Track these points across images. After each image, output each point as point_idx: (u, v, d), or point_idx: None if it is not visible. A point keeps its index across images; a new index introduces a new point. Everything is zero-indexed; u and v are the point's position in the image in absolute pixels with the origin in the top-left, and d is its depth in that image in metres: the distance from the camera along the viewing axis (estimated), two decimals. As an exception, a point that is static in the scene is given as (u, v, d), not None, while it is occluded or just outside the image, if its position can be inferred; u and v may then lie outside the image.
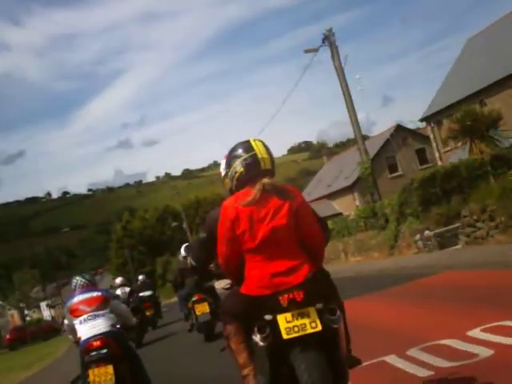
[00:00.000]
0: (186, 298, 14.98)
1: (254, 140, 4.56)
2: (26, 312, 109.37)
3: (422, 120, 46.97)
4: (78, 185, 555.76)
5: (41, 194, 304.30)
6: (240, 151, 4.49)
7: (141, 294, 22.88)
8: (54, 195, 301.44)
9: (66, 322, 7.86)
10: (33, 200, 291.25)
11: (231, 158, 4.54)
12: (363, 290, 14.90)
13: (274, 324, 4.06)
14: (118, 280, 22.72)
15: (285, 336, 4.02)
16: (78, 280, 7.81)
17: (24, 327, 66.40)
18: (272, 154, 4.55)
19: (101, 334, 7.23)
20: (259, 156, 4.42)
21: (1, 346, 62.21)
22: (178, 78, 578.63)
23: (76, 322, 7.44)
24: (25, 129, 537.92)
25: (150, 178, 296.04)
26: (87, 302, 7.49)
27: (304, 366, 3.94)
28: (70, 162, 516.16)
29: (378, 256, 25.95)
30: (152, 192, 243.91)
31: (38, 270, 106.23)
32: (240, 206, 4.27)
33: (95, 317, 7.37)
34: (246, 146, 4.51)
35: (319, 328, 4.06)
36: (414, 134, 56.95)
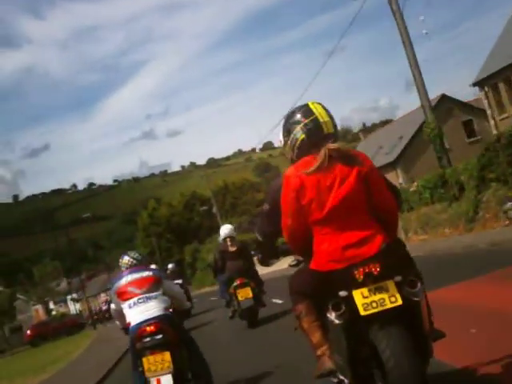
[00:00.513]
0: (226, 283, 14.18)
1: (313, 103, 4.28)
2: (51, 307, 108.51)
3: (474, 85, 42.65)
4: (104, 177, 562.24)
5: (66, 186, 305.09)
6: (299, 116, 4.22)
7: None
8: (80, 187, 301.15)
9: (112, 306, 7.37)
10: (58, 192, 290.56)
11: (290, 124, 4.28)
12: (465, 274, 11.24)
13: (349, 300, 3.84)
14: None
15: (362, 312, 3.80)
16: (125, 259, 7.25)
17: (46, 323, 64.12)
18: (333, 117, 4.25)
19: (154, 318, 6.69)
20: (320, 120, 4.15)
21: (22, 343, 60.69)
22: (200, 69, 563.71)
23: (125, 305, 6.92)
24: (49, 122, 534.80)
25: (175, 168, 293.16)
26: (137, 283, 6.94)
27: (385, 343, 3.72)
28: (95, 154, 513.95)
29: (449, 232, 21.90)
30: (178, 181, 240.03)
31: (59, 263, 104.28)
32: (304, 175, 4.03)
33: (147, 299, 6.83)
34: (305, 110, 4.23)
35: (399, 302, 3.81)
36: (461, 104, 52.52)
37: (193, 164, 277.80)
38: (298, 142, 4.20)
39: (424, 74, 24.49)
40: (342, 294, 3.87)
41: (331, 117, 4.23)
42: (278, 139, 4.64)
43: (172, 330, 6.74)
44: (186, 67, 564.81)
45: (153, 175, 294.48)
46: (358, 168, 4.03)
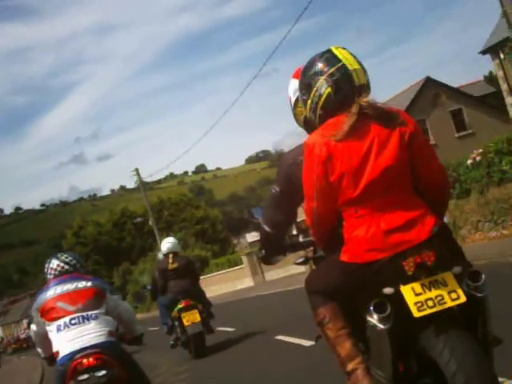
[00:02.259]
0: (168, 306, 11.99)
1: (337, 48, 3.32)
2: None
3: (483, 52, 33.22)
4: (32, 201, 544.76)
5: None
6: (321, 65, 3.26)
7: None
8: (7, 212, 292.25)
9: (33, 328, 5.27)
10: None
11: (309, 77, 3.31)
12: None
13: (396, 298, 3.05)
14: None
15: (416, 313, 2.99)
16: (54, 263, 5.38)
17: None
18: (363, 64, 3.27)
19: (94, 347, 4.84)
20: (350, 68, 3.20)
21: None
22: (131, 91, 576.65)
23: (51, 327, 5.01)
24: None
25: (105, 192, 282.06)
26: (70, 296, 5.06)
27: (448, 353, 2.88)
28: (23, 179, 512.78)
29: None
30: (108, 205, 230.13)
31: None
32: (333, 142, 3.14)
33: (84, 320, 4.96)
34: (329, 57, 3.28)
35: (463, 299, 3.00)
36: (449, 89, 42.94)
37: (123, 188, 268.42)
38: (323, 99, 3.23)
39: None
40: (387, 291, 3.07)
41: (361, 64, 3.25)
42: (288, 97, 3.76)
43: (119, 364, 4.87)
44: (116, 89, 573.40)
45: (81, 199, 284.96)
46: (399, 129, 3.15)
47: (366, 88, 3.22)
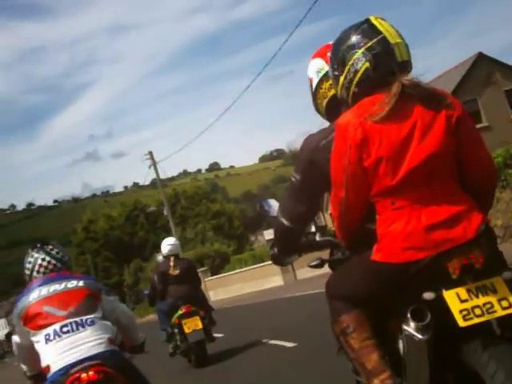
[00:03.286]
0: (168, 312, 11.22)
1: (376, 18, 2.90)
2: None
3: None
4: (45, 198, 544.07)
5: (4, 207, 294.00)
6: (358, 38, 2.85)
7: None
8: (19, 208, 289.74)
9: (16, 339, 4.44)
10: None
11: (344, 50, 2.89)
12: None
13: (438, 305, 2.68)
14: None
15: (462, 323, 2.63)
16: (41, 259, 4.47)
17: None
18: (405, 39, 2.86)
19: (93, 358, 4.02)
20: (391, 41, 2.81)
21: None
22: (145, 91, 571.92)
23: (38, 337, 4.14)
24: None
25: (118, 189, 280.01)
26: (59, 299, 4.22)
27: (497, 368, 2.55)
28: (37, 176, 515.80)
29: None
30: (120, 201, 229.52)
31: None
32: (369, 123, 2.75)
33: (77, 326, 4.14)
34: (367, 28, 2.86)
35: None
36: (504, 67, 37.86)
37: (136, 184, 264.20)
38: (359, 75, 2.82)
39: None
40: (428, 296, 2.70)
41: (403, 38, 2.87)
42: (308, 79, 3.32)
43: (123, 377, 4.05)
44: (130, 89, 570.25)
45: (94, 196, 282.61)
46: (446, 112, 2.76)
47: (408, 65, 2.83)
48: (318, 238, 3.47)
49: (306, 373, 7.69)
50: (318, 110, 3.37)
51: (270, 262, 35.21)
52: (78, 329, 4.10)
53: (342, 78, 2.89)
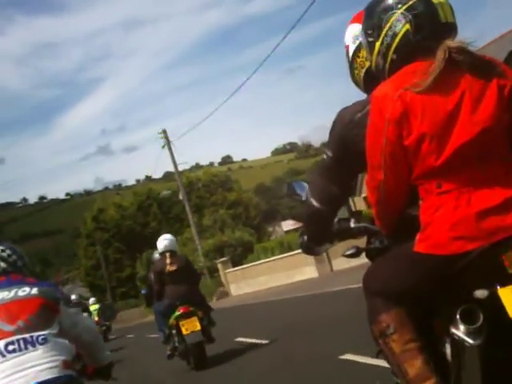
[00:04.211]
0: (165, 313, 10.94)
1: None
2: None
3: None
4: (57, 192, 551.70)
5: (16, 200, 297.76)
6: None
7: None
8: (31, 201, 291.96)
9: None
10: (8, 206, 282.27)
11: (380, 11, 2.62)
12: None
13: (492, 304, 2.40)
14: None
15: None
16: None
17: None
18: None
19: None
20: (435, 0, 2.52)
21: None
22: (159, 85, 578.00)
23: None
24: (4, 137, 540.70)
25: (131, 183, 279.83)
26: (7, 310, 3.66)
27: None
28: (50, 170, 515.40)
29: None
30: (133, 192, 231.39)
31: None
32: (410, 94, 2.44)
33: (26, 345, 3.56)
34: None
35: None
36: None
37: (148, 177, 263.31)
38: (398, 39, 2.53)
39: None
40: (480, 294, 2.42)
41: None
42: (345, 46, 3.11)
43: None
44: (143, 83, 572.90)
45: (106, 189, 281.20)
46: (498, 81, 2.44)
47: (453, 28, 2.55)
48: (352, 224, 3.07)
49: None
50: (355, 81, 3.10)
51: (300, 251, 30.50)
52: (26, 348, 3.52)
53: (378, 44, 2.62)
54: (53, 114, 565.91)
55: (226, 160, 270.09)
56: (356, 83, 3.10)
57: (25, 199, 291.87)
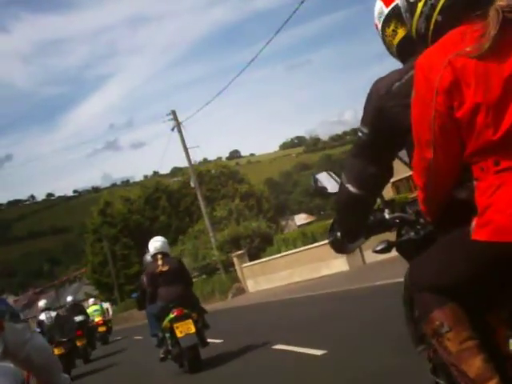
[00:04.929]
0: (159, 316, 10.71)
1: None
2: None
3: None
4: (65, 189, 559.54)
5: (24, 197, 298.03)
6: None
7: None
8: (39, 198, 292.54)
9: None
10: (15, 203, 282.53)
11: None
12: None
13: None
14: (42, 303, 18.61)
15: None
16: None
17: None
18: None
19: None
20: None
21: None
22: (165, 82, 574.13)
23: None
24: (12, 134, 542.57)
25: (138, 178, 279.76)
26: None
27: None
28: (58, 167, 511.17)
29: None
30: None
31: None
32: (460, 61, 2.21)
33: None
34: None
35: None
36: None
37: (156, 173, 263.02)
38: (442, 1, 2.30)
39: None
40: None
41: None
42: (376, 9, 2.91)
43: None
44: (150, 80, 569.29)
45: (114, 185, 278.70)
46: None
47: None
48: (387, 215, 2.93)
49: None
50: (389, 48, 2.93)
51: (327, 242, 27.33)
52: None
53: (420, 5, 2.38)
54: (60, 110, 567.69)
55: (234, 155, 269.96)
56: (392, 53, 2.89)
57: (32, 196, 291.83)
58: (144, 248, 42.12)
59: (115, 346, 23.92)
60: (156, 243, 10.99)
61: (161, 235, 36.40)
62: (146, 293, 11.16)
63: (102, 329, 27.25)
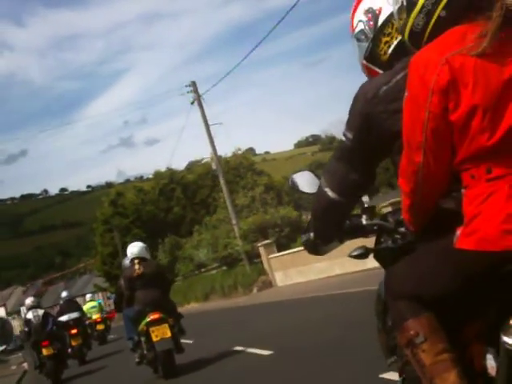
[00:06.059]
0: (135, 319, 10.66)
1: None
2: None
3: None
4: (79, 184, 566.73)
5: (37, 192, 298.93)
6: None
7: (64, 318, 19.07)
8: (52, 193, 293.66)
9: None
10: (28, 197, 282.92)
11: None
12: None
13: None
14: (29, 300, 17.04)
15: None
16: None
17: None
18: None
19: None
20: None
21: None
22: (179, 78, 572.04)
23: None
24: (27, 129, 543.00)
25: (152, 175, 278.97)
26: None
27: None
28: (72, 162, 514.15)
29: None
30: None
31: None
32: (459, 59, 2.08)
33: None
34: None
35: None
36: None
37: (170, 169, 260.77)
38: None
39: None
40: None
41: None
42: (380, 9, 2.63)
43: None
44: (165, 76, 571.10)
45: (128, 181, 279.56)
46: None
47: None
48: (364, 221, 2.88)
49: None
50: (372, 60, 2.82)
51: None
52: None
53: (418, 4, 2.19)
54: (75, 106, 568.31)
55: (249, 152, 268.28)
56: (373, 62, 2.66)
57: (46, 191, 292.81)
58: (157, 239, 38.58)
59: (115, 346, 21.54)
60: (133, 248, 11.03)
61: (174, 228, 36.36)
62: (123, 296, 11.13)
63: (100, 327, 25.67)
